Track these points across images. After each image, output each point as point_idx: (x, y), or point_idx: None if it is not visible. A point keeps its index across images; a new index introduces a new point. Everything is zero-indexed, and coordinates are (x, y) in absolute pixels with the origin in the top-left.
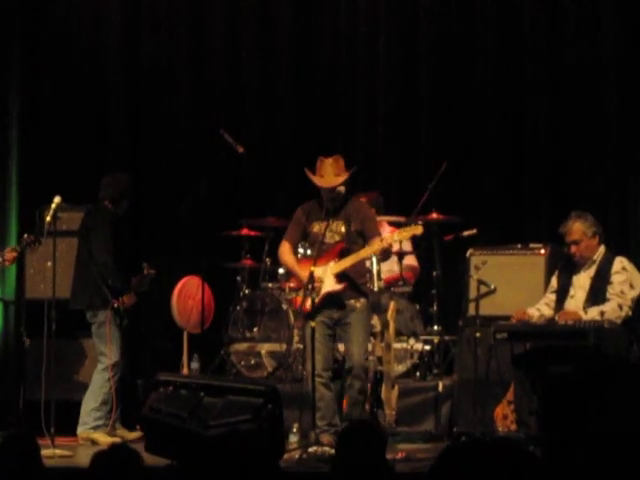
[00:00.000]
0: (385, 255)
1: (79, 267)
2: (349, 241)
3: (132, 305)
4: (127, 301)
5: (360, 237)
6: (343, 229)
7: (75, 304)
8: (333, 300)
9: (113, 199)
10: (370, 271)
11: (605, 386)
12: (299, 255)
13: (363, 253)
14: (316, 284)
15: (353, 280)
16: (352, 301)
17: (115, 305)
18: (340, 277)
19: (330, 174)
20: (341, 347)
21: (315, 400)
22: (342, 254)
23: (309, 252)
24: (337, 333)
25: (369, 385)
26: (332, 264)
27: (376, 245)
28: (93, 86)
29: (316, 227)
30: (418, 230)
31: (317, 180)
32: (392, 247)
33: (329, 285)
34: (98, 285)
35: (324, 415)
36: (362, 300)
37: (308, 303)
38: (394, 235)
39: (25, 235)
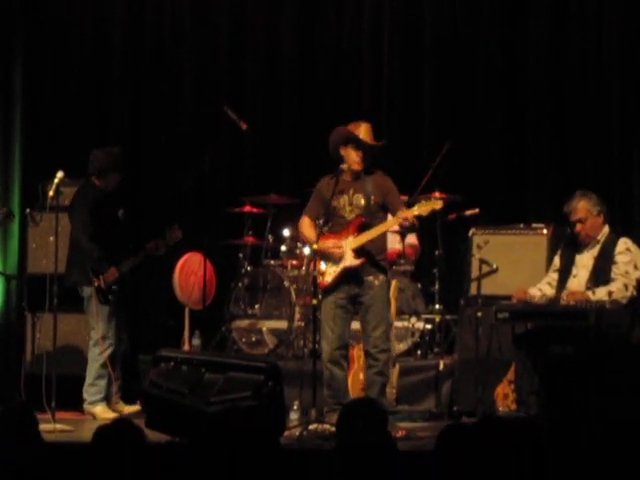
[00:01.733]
0: (411, 228)
1: (69, 244)
2: (369, 215)
3: (115, 280)
4: (108, 278)
5: (381, 210)
6: (363, 202)
7: (67, 281)
8: (351, 276)
9: (99, 174)
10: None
11: (605, 367)
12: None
13: (381, 228)
14: (337, 251)
15: (372, 256)
16: (371, 277)
17: (95, 284)
18: (358, 252)
19: (366, 137)
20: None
21: (324, 378)
22: (361, 228)
23: (326, 227)
24: (356, 310)
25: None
26: (351, 239)
27: (391, 221)
28: (96, 62)
29: (336, 201)
30: (437, 205)
31: (367, 140)
32: (416, 221)
33: (348, 260)
34: (81, 262)
35: (334, 394)
36: (381, 277)
37: (325, 279)
38: (414, 210)
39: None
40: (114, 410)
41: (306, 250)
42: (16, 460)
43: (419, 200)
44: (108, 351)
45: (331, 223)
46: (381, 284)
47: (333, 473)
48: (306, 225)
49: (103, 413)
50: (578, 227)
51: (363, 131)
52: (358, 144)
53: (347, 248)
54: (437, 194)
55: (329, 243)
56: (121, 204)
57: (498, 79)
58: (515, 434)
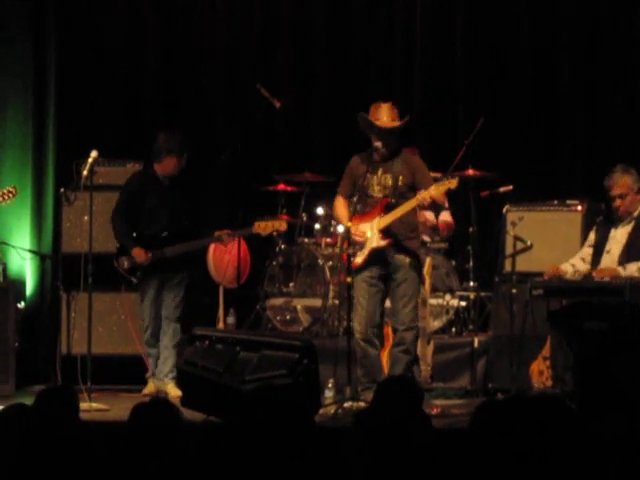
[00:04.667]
0: (437, 207)
1: None
2: (396, 195)
3: (144, 261)
4: (137, 259)
5: (410, 191)
6: (390, 183)
7: None
8: (380, 256)
9: (155, 158)
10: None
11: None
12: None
13: (403, 208)
14: (359, 239)
15: (402, 235)
16: (402, 256)
17: (115, 265)
18: (385, 232)
19: (388, 117)
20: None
21: (357, 356)
22: (387, 209)
23: (358, 206)
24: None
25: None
26: (378, 219)
27: (411, 202)
28: (129, 42)
29: (365, 180)
30: (452, 184)
31: (378, 122)
32: (441, 199)
33: (375, 241)
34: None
35: (367, 372)
36: (411, 256)
37: (356, 260)
38: (430, 190)
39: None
40: (159, 390)
41: (340, 228)
42: (55, 439)
43: (453, 175)
44: (146, 334)
45: (362, 203)
46: (412, 262)
47: (358, 450)
48: (339, 205)
49: (146, 390)
50: (618, 202)
51: (383, 113)
52: (377, 131)
53: (375, 229)
54: (471, 171)
55: (353, 228)
56: (179, 189)
57: (531, 55)
58: (546, 412)
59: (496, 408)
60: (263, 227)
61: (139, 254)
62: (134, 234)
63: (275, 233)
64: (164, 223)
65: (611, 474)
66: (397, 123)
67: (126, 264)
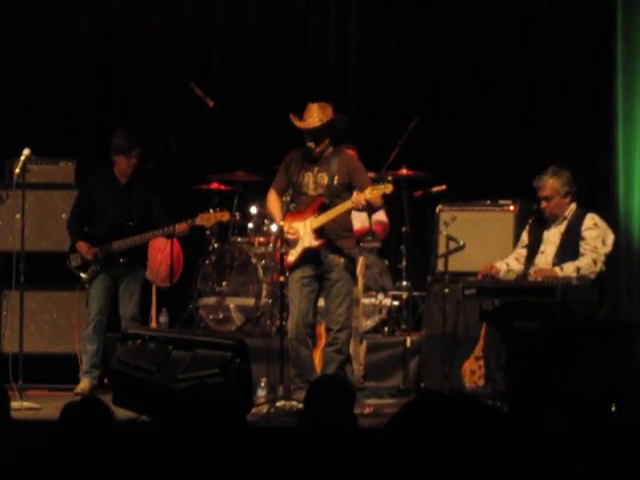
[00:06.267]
0: (371, 209)
1: None
2: (331, 195)
3: (87, 254)
4: (81, 252)
5: (346, 191)
6: (326, 181)
7: None
8: (313, 256)
9: (113, 159)
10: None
11: (572, 343)
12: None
13: (338, 210)
14: (291, 236)
15: (336, 234)
16: (336, 256)
17: (67, 263)
18: (319, 233)
19: (314, 117)
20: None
21: (290, 356)
22: (322, 208)
23: (292, 204)
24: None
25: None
26: (312, 218)
27: (346, 204)
28: (63, 38)
29: (300, 177)
30: (388, 189)
31: (296, 122)
32: (376, 201)
33: (307, 241)
34: None
35: (301, 372)
36: (345, 255)
37: (289, 258)
38: (365, 193)
39: None
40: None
41: (273, 227)
42: None
43: (386, 177)
44: (87, 331)
45: (296, 201)
46: (346, 262)
47: (296, 450)
48: (272, 199)
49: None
50: (543, 204)
51: (308, 112)
52: (302, 131)
53: (308, 228)
54: (404, 171)
55: (286, 226)
56: (136, 186)
57: (465, 55)
58: (476, 411)
59: (420, 406)
60: (207, 218)
61: (82, 248)
62: (93, 232)
63: (208, 232)
64: (115, 220)
65: (537, 473)
66: (316, 123)
67: (75, 262)
